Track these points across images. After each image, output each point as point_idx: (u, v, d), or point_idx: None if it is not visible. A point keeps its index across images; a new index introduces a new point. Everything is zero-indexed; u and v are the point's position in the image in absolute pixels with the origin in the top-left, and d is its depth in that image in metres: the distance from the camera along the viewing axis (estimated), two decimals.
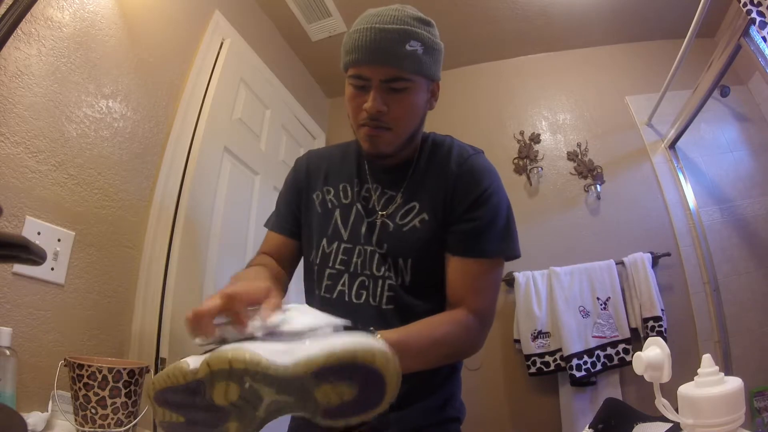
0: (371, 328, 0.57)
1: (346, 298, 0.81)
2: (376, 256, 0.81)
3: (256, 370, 0.42)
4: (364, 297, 0.81)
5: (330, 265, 0.84)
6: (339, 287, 0.82)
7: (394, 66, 0.74)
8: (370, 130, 0.78)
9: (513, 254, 0.82)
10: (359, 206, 0.86)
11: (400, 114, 0.78)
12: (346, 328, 0.51)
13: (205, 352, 0.47)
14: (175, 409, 0.48)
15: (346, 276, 0.83)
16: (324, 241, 0.86)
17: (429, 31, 0.78)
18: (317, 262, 0.86)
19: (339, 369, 0.43)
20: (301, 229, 0.93)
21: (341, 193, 0.88)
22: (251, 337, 0.49)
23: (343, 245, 0.84)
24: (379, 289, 0.81)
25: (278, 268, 0.89)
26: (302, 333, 0.48)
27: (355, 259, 0.83)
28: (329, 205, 0.88)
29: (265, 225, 0.98)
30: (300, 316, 0.52)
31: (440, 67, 0.83)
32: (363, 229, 0.84)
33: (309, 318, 0.51)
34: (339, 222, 0.86)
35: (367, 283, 0.81)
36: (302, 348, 0.45)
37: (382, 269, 0.81)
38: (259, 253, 0.95)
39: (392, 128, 0.78)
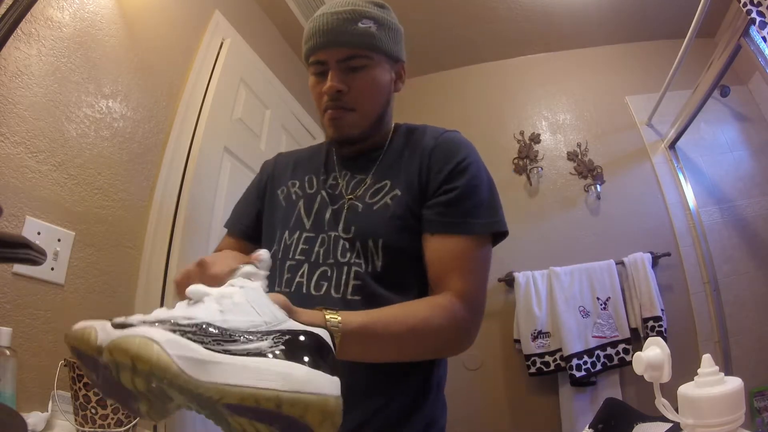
0: (335, 310, 0.53)
1: (304, 290, 0.73)
2: (341, 242, 0.75)
3: (163, 376, 0.35)
4: (325, 288, 0.73)
5: (290, 256, 0.78)
6: (297, 279, 0.75)
7: (347, 45, 0.75)
8: (333, 112, 0.77)
9: (500, 228, 0.75)
10: (324, 194, 0.81)
11: (361, 91, 0.77)
12: (302, 334, 0.41)
13: (122, 325, 0.39)
14: (89, 369, 0.41)
15: (306, 266, 0.76)
16: (286, 233, 0.80)
17: (383, 11, 0.79)
18: (279, 256, 0.79)
19: (257, 411, 0.35)
20: (263, 228, 0.88)
21: (306, 184, 0.85)
22: (172, 323, 0.39)
23: (304, 234, 0.79)
24: (344, 278, 0.73)
25: None
26: (234, 335, 0.38)
27: (317, 248, 0.76)
28: (293, 196, 0.84)
29: (225, 225, 0.96)
30: (241, 308, 0.42)
31: (401, 48, 0.83)
32: (327, 216, 0.78)
33: (248, 316, 0.42)
34: (302, 211, 0.81)
35: (329, 273, 0.74)
36: (219, 369, 0.35)
37: (348, 255, 0.74)
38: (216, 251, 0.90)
39: (355, 108, 0.77)
